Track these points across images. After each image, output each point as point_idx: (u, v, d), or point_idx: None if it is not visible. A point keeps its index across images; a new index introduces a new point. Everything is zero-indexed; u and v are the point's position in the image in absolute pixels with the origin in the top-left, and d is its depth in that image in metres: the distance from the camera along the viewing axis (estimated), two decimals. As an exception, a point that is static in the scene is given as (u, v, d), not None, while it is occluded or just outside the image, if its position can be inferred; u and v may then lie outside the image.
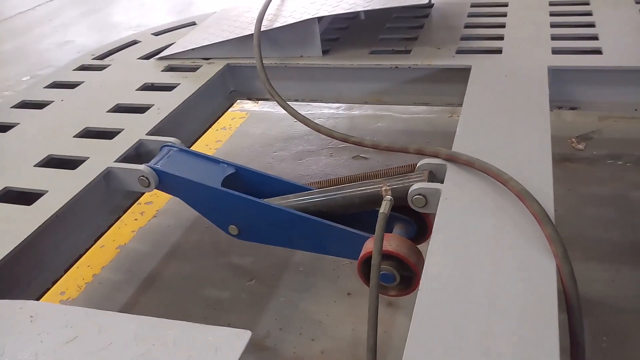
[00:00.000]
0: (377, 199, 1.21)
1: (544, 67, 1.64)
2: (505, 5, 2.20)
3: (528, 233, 1.03)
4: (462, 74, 1.70)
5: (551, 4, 2.14)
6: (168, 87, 1.86)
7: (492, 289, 0.92)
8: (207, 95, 1.88)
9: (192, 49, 2.03)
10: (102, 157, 1.46)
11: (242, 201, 1.34)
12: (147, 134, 1.56)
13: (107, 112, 1.74)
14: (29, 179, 1.41)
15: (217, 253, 2.10)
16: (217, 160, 1.45)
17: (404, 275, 1.18)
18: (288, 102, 1.71)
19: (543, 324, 0.85)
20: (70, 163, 1.46)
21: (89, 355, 0.84)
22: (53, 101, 1.86)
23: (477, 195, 1.14)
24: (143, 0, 5.83)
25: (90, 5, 5.82)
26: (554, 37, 1.87)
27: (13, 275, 1.19)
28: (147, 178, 1.39)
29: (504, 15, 2.11)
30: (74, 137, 1.60)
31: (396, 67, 1.81)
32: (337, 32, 2.12)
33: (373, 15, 2.14)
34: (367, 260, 1.17)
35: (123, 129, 1.60)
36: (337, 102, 2.26)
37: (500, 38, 1.91)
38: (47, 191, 1.34)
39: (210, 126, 1.93)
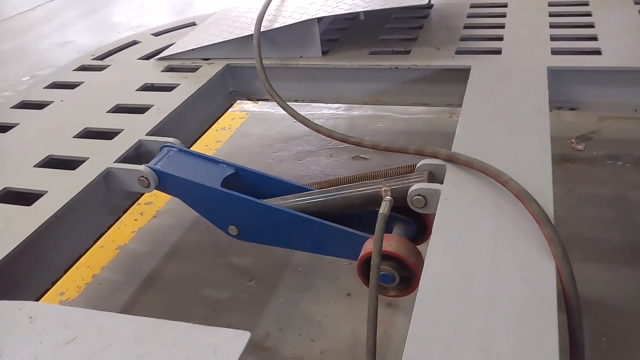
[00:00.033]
0: (376, 200, 1.21)
1: (544, 68, 1.64)
2: (505, 5, 2.20)
3: (527, 233, 1.03)
4: (461, 75, 1.70)
5: (550, 5, 2.14)
6: (168, 88, 1.86)
7: (492, 290, 0.92)
8: (207, 96, 1.88)
9: (192, 50, 2.03)
10: (101, 157, 1.46)
11: (241, 202, 1.34)
12: (146, 135, 1.56)
13: (107, 112, 1.74)
14: (28, 179, 1.41)
15: (217, 253, 2.10)
16: (217, 160, 1.45)
17: (404, 276, 1.18)
18: (288, 103, 1.71)
19: (542, 325, 0.85)
20: (70, 163, 1.46)
21: (88, 356, 0.84)
22: (53, 101, 1.86)
23: (477, 196, 1.14)
24: (143, 0, 5.84)
25: (90, 6, 5.83)
26: (553, 38, 1.87)
27: (12, 276, 1.19)
28: (146, 178, 1.39)
29: (504, 15, 2.11)
30: (73, 137, 1.60)
31: (396, 67, 1.81)
32: (337, 32, 2.12)
33: (373, 16, 2.14)
34: (367, 261, 1.17)
35: (123, 130, 1.60)
36: (337, 102, 2.26)
37: (500, 39, 1.91)
38: (47, 192, 1.34)
39: (210, 126, 1.93)
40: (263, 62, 1.83)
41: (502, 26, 2.01)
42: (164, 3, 5.80)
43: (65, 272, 1.36)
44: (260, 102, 3.07)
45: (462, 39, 1.95)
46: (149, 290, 1.97)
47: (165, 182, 1.41)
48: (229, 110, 2.08)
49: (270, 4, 2.05)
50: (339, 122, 2.93)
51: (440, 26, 2.10)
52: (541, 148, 1.28)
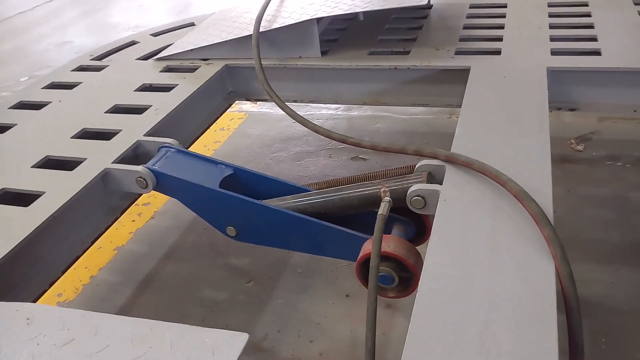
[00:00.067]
0: (375, 200, 1.21)
1: (543, 68, 1.64)
2: (504, 6, 2.20)
3: (527, 234, 1.02)
4: (461, 75, 1.70)
5: (550, 5, 2.14)
6: (166, 88, 1.86)
7: (491, 290, 0.92)
8: (206, 96, 1.88)
9: (191, 50, 2.03)
10: (99, 158, 1.46)
11: (240, 202, 1.34)
12: (145, 135, 1.55)
13: (105, 112, 1.74)
14: (26, 180, 1.41)
15: (215, 254, 2.10)
16: (215, 161, 1.45)
17: (403, 277, 1.17)
18: (287, 103, 1.71)
19: (542, 325, 0.85)
20: (67, 164, 1.46)
21: (85, 358, 0.83)
22: (51, 102, 1.85)
23: (476, 196, 1.14)
24: (142, 1, 5.84)
25: (90, 6, 5.83)
26: (553, 38, 1.87)
27: (10, 277, 1.19)
28: (144, 179, 1.39)
29: (503, 16, 2.11)
30: (71, 138, 1.60)
31: (395, 68, 1.81)
32: (336, 33, 2.12)
33: (372, 16, 2.14)
34: (366, 262, 1.16)
35: (121, 130, 1.60)
36: (336, 102, 2.25)
37: (499, 39, 1.91)
38: (45, 192, 1.33)
39: (208, 127, 1.93)
40: (262, 63, 1.83)
41: (501, 27, 2.01)
42: (163, 3, 5.81)
43: (62, 273, 1.35)
44: (259, 103, 3.07)
45: (462, 40, 1.94)
46: (147, 292, 1.96)
47: (163, 183, 1.41)
48: (228, 110, 2.08)
49: (270, 4, 2.05)
50: (338, 122, 2.93)
51: (440, 27, 2.10)
52: (541, 149, 1.28)
